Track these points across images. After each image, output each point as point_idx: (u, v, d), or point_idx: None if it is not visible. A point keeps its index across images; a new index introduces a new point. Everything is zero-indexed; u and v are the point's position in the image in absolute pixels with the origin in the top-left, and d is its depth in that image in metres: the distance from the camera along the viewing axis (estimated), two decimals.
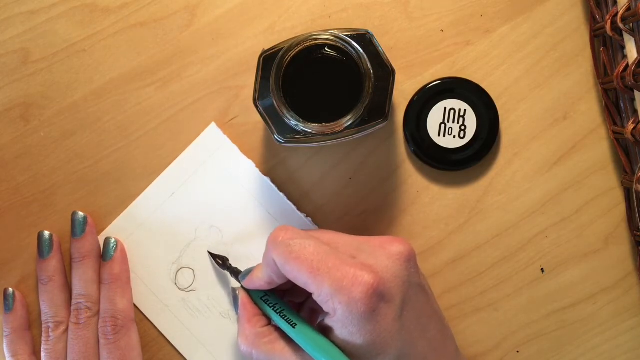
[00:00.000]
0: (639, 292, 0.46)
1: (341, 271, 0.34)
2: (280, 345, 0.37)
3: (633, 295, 0.46)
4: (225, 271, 0.44)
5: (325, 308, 0.35)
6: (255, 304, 0.41)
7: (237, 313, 0.41)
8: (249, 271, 0.41)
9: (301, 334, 0.36)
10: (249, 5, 0.45)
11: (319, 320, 0.37)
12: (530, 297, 0.46)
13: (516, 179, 0.45)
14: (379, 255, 0.36)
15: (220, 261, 0.44)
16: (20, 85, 0.45)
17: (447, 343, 0.38)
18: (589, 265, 0.46)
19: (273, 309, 0.39)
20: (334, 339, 0.35)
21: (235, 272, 0.43)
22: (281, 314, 0.38)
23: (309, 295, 0.41)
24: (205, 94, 0.45)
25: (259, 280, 0.39)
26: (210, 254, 0.44)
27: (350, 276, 0.34)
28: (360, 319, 0.33)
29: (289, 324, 0.37)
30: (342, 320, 0.34)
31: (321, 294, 0.34)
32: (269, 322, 0.40)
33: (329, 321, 0.35)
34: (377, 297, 0.34)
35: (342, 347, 0.35)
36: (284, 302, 0.40)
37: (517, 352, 0.46)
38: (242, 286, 0.42)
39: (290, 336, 0.37)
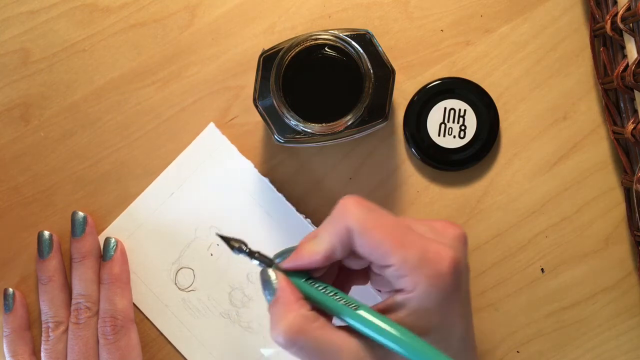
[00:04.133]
0: (639, 292, 0.46)
1: (425, 244, 0.32)
2: (335, 332, 0.32)
3: (633, 295, 0.46)
4: (242, 255, 0.36)
5: (400, 284, 0.32)
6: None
7: (268, 298, 0.34)
8: (289, 250, 0.35)
9: (365, 318, 0.31)
10: (249, 5, 0.45)
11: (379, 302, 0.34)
12: (530, 297, 0.46)
13: (516, 179, 0.45)
14: (445, 234, 0.34)
15: (237, 244, 0.36)
16: (20, 85, 0.45)
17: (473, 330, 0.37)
18: (589, 265, 0.46)
19: (324, 292, 0.33)
20: (401, 319, 0.32)
21: (259, 258, 0.36)
22: (335, 297, 0.33)
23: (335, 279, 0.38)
24: (205, 94, 0.45)
25: (315, 255, 0.33)
26: (222, 237, 0.37)
27: (435, 249, 0.32)
28: (442, 295, 0.31)
29: (350, 306, 0.32)
30: (419, 295, 0.31)
31: (402, 267, 0.31)
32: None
33: (399, 298, 0.32)
34: (458, 274, 0.32)
35: (410, 329, 0.31)
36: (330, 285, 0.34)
37: (517, 352, 0.46)
38: (273, 268, 0.35)
39: (350, 322, 0.32)
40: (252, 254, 0.36)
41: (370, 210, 0.33)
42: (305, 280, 0.34)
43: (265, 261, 0.36)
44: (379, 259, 0.32)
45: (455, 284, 0.32)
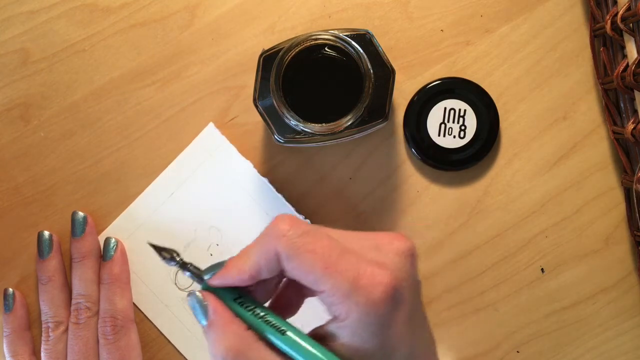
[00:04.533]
0: (639, 292, 0.46)
1: (358, 269, 0.31)
2: (271, 354, 0.31)
3: (633, 295, 0.46)
4: (173, 266, 0.35)
5: (333, 311, 0.31)
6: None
7: (202, 321, 0.33)
8: (218, 265, 0.34)
9: (292, 342, 0.32)
10: (249, 5, 0.45)
11: (313, 328, 0.33)
12: (530, 297, 0.46)
13: (516, 179, 0.45)
14: (388, 252, 0.33)
15: (168, 255, 0.35)
16: (20, 85, 0.45)
17: (433, 346, 0.36)
18: (589, 265, 0.46)
19: (252, 313, 0.33)
20: (338, 347, 0.31)
21: (192, 270, 0.35)
22: (264, 319, 0.33)
23: (272, 298, 0.37)
24: (205, 94, 0.45)
25: (242, 273, 0.33)
26: (153, 246, 0.35)
27: (369, 274, 0.30)
28: (377, 323, 0.30)
29: (277, 330, 0.32)
30: (353, 324, 0.31)
31: (334, 294, 0.30)
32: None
33: (333, 327, 0.31)
34: (396, 297, 0.31)
35: (346, 357, 0.31)
36: (262, 305, 0.34)
37: (517, 352, 0.46)
38: (204, 287, 0.34)
39: (278, 345, 0.32)
40: (184, 266, 0.35)
41: (304, 232, 0.31)
42: (236, 298, 0.34)
43: (197, 274, 0.35)
44: (310, 284, 0.31)
45: (392, 309, 0.31)
